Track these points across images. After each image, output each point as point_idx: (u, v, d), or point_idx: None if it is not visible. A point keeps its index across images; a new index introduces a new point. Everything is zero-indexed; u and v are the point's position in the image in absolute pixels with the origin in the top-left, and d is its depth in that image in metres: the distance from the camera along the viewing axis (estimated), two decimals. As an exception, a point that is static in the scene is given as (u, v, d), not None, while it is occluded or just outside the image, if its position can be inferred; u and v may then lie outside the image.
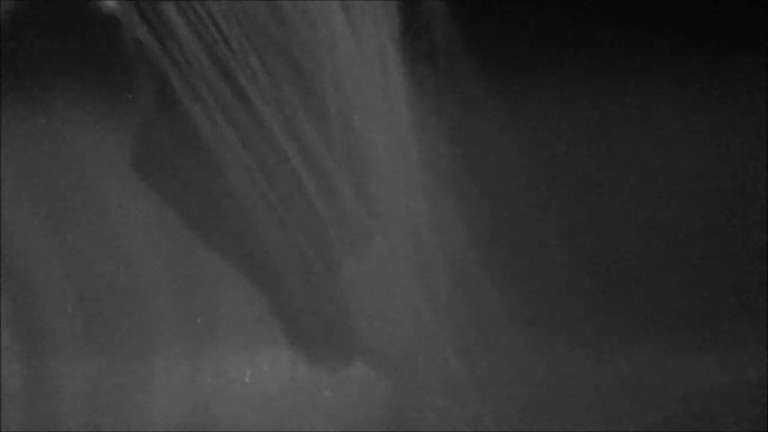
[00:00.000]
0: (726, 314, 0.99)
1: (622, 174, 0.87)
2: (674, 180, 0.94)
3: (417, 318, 0.94)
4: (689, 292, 0.99)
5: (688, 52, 0.83)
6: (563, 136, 0.87)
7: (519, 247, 0.92)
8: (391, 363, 0.99)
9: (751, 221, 0.97)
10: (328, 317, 0.95)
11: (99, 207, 0.94)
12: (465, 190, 0.90)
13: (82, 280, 0.98)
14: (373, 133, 0.86)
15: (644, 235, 0.95)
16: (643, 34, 0.78)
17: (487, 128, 0.89)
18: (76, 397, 0.99)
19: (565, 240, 0.90)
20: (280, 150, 0.84)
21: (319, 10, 0.73)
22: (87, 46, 0.89)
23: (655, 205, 0.96)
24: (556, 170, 0.90)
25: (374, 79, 0.82)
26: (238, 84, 0.80)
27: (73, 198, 0.96)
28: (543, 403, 0.97)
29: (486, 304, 0.94)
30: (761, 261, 0.98)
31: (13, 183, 0.95)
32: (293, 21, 0.72)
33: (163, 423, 0.97)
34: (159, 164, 0.94)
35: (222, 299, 0.97)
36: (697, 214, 0.97)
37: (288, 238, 0.87)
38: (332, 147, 0.83)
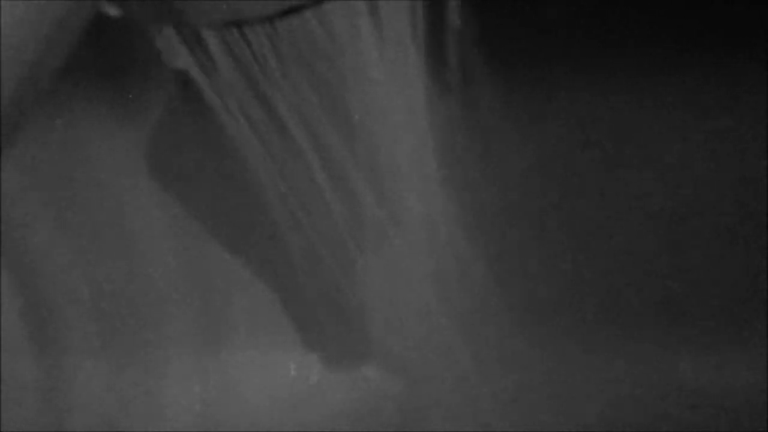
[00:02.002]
0: (726, 314, 1.01)
1: (636, 174, 0.88)
2: (682, 179, 0.95)
3: (430, 319, 0.95)
4: (689, 292, 1.00)
5: (701, 51, 0.85)
6: (584, 141, 0.88)
7: (534, 249, 0.93)
8: (403, 364, 1.00)
9: (753, 222, 0.99)
10: (341, 319, 0.96)
11: (114, 209, 0.94)
12: (482, 192, 0.91)
13: (96, 281, 0.98)
14: (394, 139, 0.87)
15: (649, 236, 0.97)
16: (665, 37, 0.79)
17: (506, 135, 0.90)
18: (87, 397, 0.99)
19: (581, 244, 0.91)
20: (300, 153, 0.84)
21: (349, 34, 0.74)
22: (103, 47, 0.89)
23: (659, 204, 0.97)
24: (575, 175, 0.91)
25: (398, 90, 0.83)
26: (262, 92, 0.80)
27: (88, 200, 0.95)
28: (553, 403, 0.99)
29: (500, 305, 0.95)
30: (762, 261, 1.00)
31: (28, 184, 0.94)
32: (324, 44, 0.73)
33: (173, 423, 0.97)
34: (175, 167, 0.94)
35: (236, 300, 0.98)
36: (700, 215, 0.99)
37: (304, 240, 0.88)
38: (352, 151, 0.84)
